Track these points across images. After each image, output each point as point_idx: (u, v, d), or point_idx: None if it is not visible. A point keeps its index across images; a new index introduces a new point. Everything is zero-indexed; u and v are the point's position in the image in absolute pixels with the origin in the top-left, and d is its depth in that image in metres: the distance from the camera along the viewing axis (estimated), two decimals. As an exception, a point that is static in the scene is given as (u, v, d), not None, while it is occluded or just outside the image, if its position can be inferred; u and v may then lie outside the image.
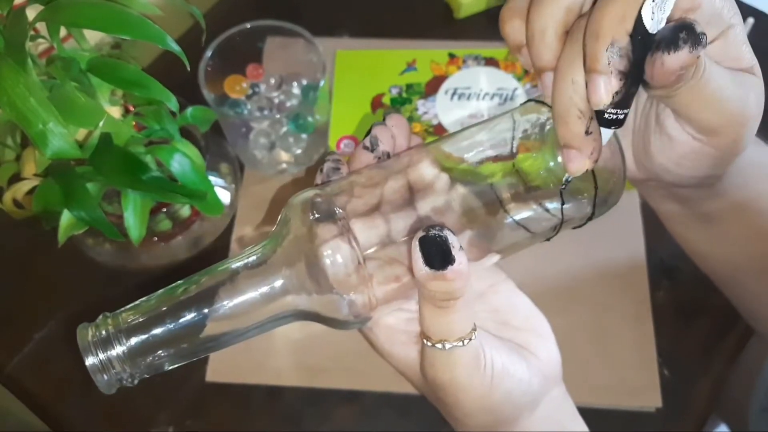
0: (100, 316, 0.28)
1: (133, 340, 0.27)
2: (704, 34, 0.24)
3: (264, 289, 0.28)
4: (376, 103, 0.67)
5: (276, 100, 0.65)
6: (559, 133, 0.27)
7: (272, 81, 0.65)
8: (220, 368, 0.57)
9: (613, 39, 0.24)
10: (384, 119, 0.32)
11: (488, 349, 0.30)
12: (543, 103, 0.30)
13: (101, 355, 0.27)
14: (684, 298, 0.59)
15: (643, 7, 0.24)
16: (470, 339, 0.28)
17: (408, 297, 0.30)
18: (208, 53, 0.59)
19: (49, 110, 0.36)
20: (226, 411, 0.57)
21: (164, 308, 0.28)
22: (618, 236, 0.61)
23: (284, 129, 0.64)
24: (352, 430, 0.55)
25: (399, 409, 0.56)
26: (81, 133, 0.43)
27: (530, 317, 0.34)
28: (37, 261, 0.63)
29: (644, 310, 0.58)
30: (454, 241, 0.26)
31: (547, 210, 0.30)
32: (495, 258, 0.32)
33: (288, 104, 0.65)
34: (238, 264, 0.29)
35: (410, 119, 0.66)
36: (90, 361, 0.27)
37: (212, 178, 0.53)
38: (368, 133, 0.32)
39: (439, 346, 0.28)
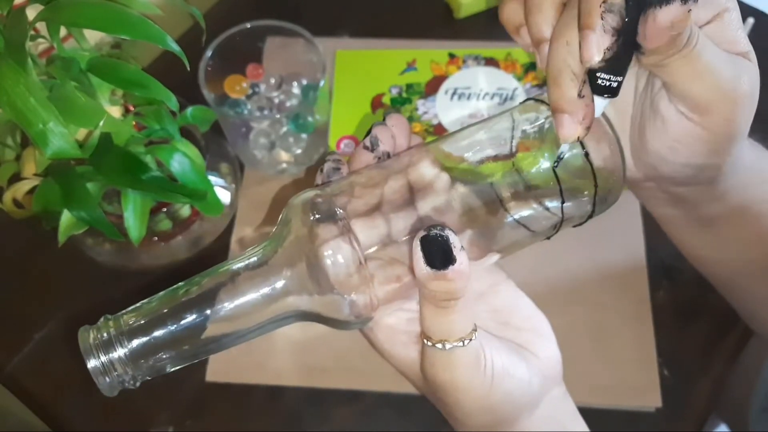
0: (102, 319, 0.28)
1: (135, 342, 0.27)
2: None
3: (265, 290, 0.28)
4: (376, 103, 0.67)
5: (276, 100, 0.65)
6: (551, 97, 0.27)
7: (272, 81, 0.65)
8: (220, 368, 0.57)
9: None
10: (384, 119, 0.32)
11: (488, 349, 0.30)
12: (542, 101, 0.30)
13: (103, 358, 0.27)
14: (684, 298, 0.59)
15: None
16: (470, 339, 0.28)
17: (409, 297, 0.30)
18: (208, 53, 0.59)
19: (49, 110, 0.36)
20: (226, 411, 0.57)
21: (166, 310, 0.28)
22: (618, 236, 0.61)
23: (284, 129, 0.64)
24: (352, 430, 0.55)
25: (399, 409, 0.56)
26: (81, 133, 0.43)
27: (531, 317, 0.34)
28: (37, 261, 0.63)
29: (644, 310, 0.58)
30: (455, 240, 0.26)
31: (547, 208, 0.30)
32: (495, 257, 0.32)
33: (288, 104, 0.65)
34: (239, 265, 0.29)
35: (410, 119, 0.66)
36: (92, 363, 0.27)
37: (212, 178, 0.53)
38: (368, 132, 0.32)
39: (439, 346, 0.28)
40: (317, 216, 0.28)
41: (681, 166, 0.31)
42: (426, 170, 0.30)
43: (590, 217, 0.31)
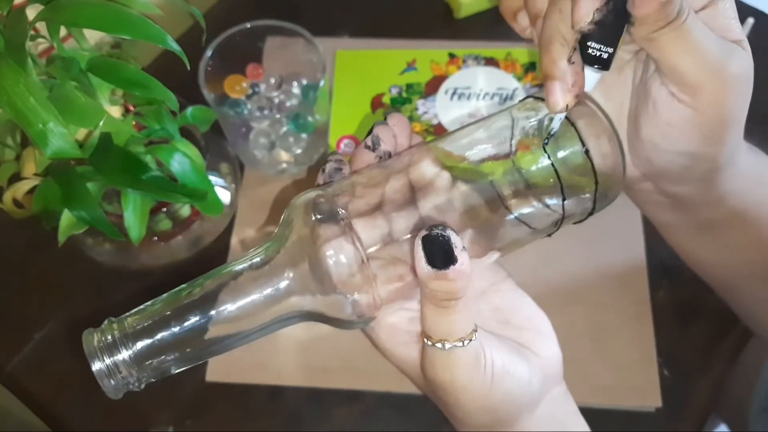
0: (105, 321, 0.28)
1: (139, 345, 0.27)
2: None
3: (268, 290, 0.28)
4: (376, 103, 0.67)
5: (276, 100, 0.65)
6: (542, 64, 0.27)
7: (272, 81, 0.65)
8: (220, 368, 0.57)
9: None
10: (385, 118, 0.32)
11: (488, 349, 0.30)
12: (541, 99, 0.30)
13: (108, 361, 0.27)
14: (684, 298, 0.59)
15: None
16: (470, 339, 0.28)
17: (412, 296, 0.30)
18: (208, 53, 0.59)
19: (49, 110, 0.36)
20: (226, 411, 0.57)
21: (169, 312, 0.28)
22: (618, 236, 0.61)
23: (284, 129, 0.64)
24: (353, 430, 0.55)
25: (399, 409, 0.56)
26: (81, 133, 0.43)
27: (532, 316, 0.34)
28: (37, 261, 0.63)
29: (644, 310, 0.58)
30: (456, 240, 0.26)
31: (547, 206, 0.30)
32: (496, 255, 0.32)
33: (288, 104, 0.65)
34: (242, 266, 0.29)
35: (410, 119, 0.66)
36: (96, 366, 0.27)
37: (212, 178, 0.53)
38: (370, 132, 0.32)
39: (439, 345, 0.28)
40: (319, 216, 0.28)
41: (674, 154, 0.31)
42: (427, 169, 0.30)
43: (591, 213, 0.31)
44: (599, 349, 0.57)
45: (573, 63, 0.27)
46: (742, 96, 0.29)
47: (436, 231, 0.26)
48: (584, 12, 0.25)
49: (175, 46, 0.39)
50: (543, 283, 0.59)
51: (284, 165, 0.65)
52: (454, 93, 0.67)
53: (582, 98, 0.29)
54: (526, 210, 0.30)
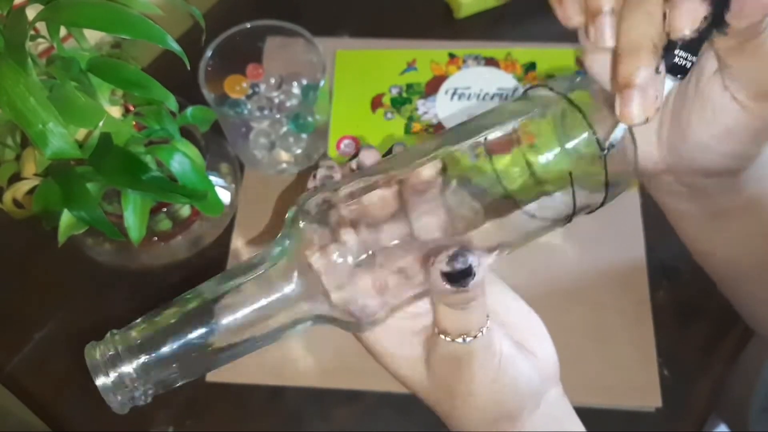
0: (108, 334, 0.27)
1: (145, 357, 0.26)
2: None
3: (275, 296, 0.28)
4: (376, 103, 0.67)
5: (276, 100, 0.65)
6: (624, 71, 0.24)
7: (272, 81, 0.65)
8: (220, 368, 0.57)
9: None
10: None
11: (497, 335, 0.30)
12: (546, 86, 0.30)
13: (112, 375, 0.26)
14: (684, 299, 0.59)
15: None
16: (486, 327, 0.29)
17: (422, 298, 0.30)
18: (208, 53, 0.59)
19: (48, 110, 0.36)
20: (226, 411, 0.57)
21: (174, 321, 0.27)
22: (618, 236, 0.61)
23: (284, 129, 0.64)
24: (353, 430, 0.55)
25: (399, 409, 0.56)
26: (81, 133, 0.43)
27: (525, 318, 0.34)
28: (37, 261, 0.63)
29: (644, 310, 0.58)
30: (475, 261, 0.26)
31: (558, 199, 0.30)
32: (506, 251, 0.31)
33: (288, 104, 0.65)
34: (247, 272, 0.28)
35: (410, 119, 0.66)
36: (101, 381, 0.26)
37: (212, 178, 0.53)
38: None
39: (459, 341, 0.29)
40: (325, 219, 0.28)
41: (721, 156, 0.30)
42: (432, 169, 0.30)
43: (602, 204, 0.31)
44: (599, 349, 0.57)
45: (659, 72, 0.24)
46: None
47: (458, 266, 0.25)
48: (688, 21, 0.23)
49: (175, 46, 0.39)
50: (543, 283, 0.59)
51: (284, 165, 0.65)
52: (454, 93, 0.67)
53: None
54: (535, 204, 0.30)
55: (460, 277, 0.26)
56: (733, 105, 0.28)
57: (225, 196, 0.62)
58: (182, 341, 0.27)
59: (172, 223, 0.59)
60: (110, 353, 0.26)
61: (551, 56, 0.68)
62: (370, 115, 0.67)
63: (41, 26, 0.40)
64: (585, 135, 0.28)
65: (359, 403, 0.56)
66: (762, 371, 0.61)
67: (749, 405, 0.61)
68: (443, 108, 0.66)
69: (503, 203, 0.30)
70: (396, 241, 0.29)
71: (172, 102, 0.42)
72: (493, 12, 0.73)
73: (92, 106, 0.41)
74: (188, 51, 0.40)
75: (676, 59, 0.24)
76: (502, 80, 0.67)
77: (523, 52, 0.69)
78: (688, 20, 0.23)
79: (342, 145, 0.65)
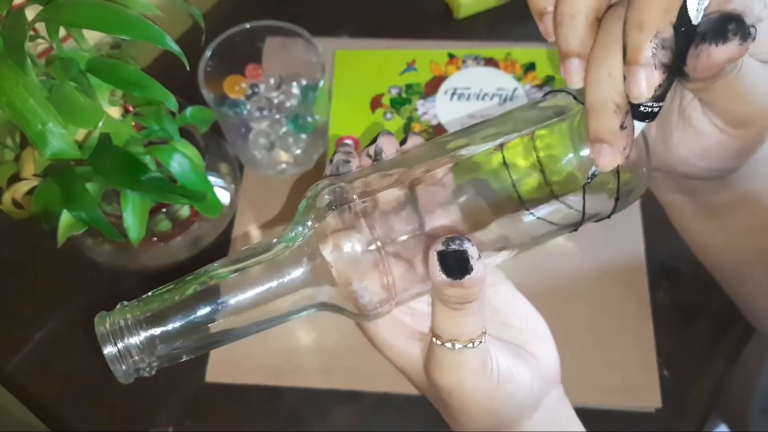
0: (118, 305, 0.28)
1: (152, 330, 0.27)
2: (754, 26, 0.23)
3: (284, 280, 0.28)
4: (376, 103, 0.67)
5: (275, 100, 0.65)
6: (592, 127, 0.26)
7: (272, 81, 0.65)
8: (220, 368, 0.57)
9: (657, 30, 0.23)
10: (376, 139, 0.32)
11: (494, 352, 0.30)
12: (565, 91, 0.30)
13: (120, 344, 0.26)
14: (684, 298, 0.59)
15: None
16: (480, 341, 0.28)
17: (426, 293, 0.30)
18: (208, 53, 0.59)
19: (48, 110, 0.36)
20: (226, 411, 0.57)
21: (182, 298, 0.27)
22: (618, 236, 0.61)
23: (284, 129, 0.64)
24: (352, 430, 0.55)
25: (399, 409, 0.56)
26: (80, 134, 0.43)
27: (529, 318, 0.34)
28: (37, 261, 0.63)
29: (644, 310, 0.58)
30: (473, 251, 0.26)
31: (568, 205, 0.30)
32: (513, 253, 0.31)
33: (287, 104, 0.65)
34: (257, 255, 0.28)
35: (410, 119, 0.66)
36: (108, 349, 0.26)
37: (212, 178, 0.53)
38: (374, 140, 0.32)
39: (448, 345, 0.28)
40: (336, 207, 0.28)
41: (702, 169, 0.31)
42: (448, 170, 0.30)
43: (613, 212, 0.31)
44: (599, 349, 0.57)
45: (625, 127, 0.25)
46: None
47: (453, 246, 0.26)
48: (644, 88, 0.24)
49: (174, 47, 0.39)
50: (543, 283, 0.59)
51: (284, 165, 0.65)
52: (453, 93, 0.67)
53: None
54: (545, 209, 0.30)
55: (456, 268, 0.26)
56: (713, 129, 0.29)
57: (224, 196, 0.62)
58: (189, 318, 0.27)
59: (172, 223, 0.59)
60: (119, 324, 0.27)
61: (551, 56, 0.68)
62: (370, 116, 0.67)
63: (41, 27, 0.40)
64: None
65: (359, 404, 0.56)
66: (762, 371, 0.61)
67: (749, 405, 0.61)
68: (443, 108, 0.66)
69: (514, 206, 0.30)
70: (406, 237, 0.29)
71: (172, 102, 0.42)
72: (492, 12, 0.73)
73: (91, 106, 0.41)
74: (188, 51, 0.40)
75: (642, 108, 0.25)
76: (502, 80, 0.67)
77: (523, 52, 0.69)
78: (644, 87, 0.24)
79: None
